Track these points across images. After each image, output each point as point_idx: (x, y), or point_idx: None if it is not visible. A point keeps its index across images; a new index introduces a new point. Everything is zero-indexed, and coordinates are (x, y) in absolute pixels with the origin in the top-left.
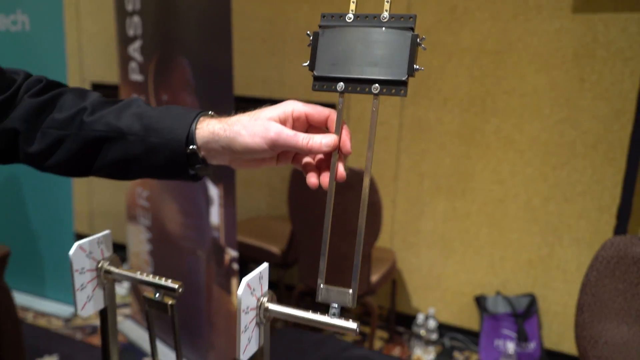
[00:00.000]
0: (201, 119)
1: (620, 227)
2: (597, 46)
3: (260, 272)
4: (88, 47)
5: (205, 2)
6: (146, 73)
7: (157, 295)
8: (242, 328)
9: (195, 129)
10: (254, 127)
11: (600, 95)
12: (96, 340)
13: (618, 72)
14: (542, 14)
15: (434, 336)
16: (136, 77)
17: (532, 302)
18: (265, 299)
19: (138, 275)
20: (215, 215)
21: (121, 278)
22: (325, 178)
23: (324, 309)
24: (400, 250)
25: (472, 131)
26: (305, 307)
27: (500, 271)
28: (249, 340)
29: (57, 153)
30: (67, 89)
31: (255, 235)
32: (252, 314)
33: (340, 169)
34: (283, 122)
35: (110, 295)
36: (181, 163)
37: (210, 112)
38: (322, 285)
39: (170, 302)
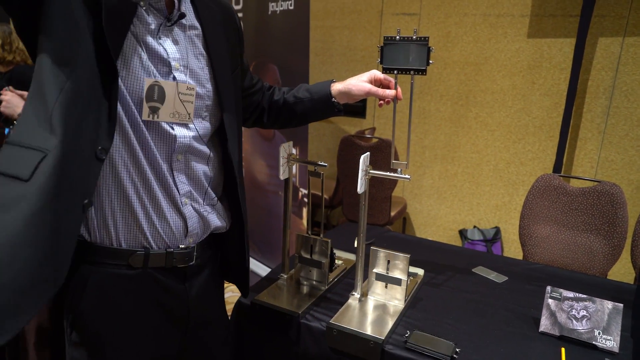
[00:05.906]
0: (331, 84)
1: None
2: (543, 60)
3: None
4: None
5: (289, 24)
6: None
7: (315, 169)
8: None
9: (331, 89)
10: (358, 85)
11: (545, 93)
12: None
13: (556, 77)
14: (507, 38)
15: None
16: None
17: (497, 232)
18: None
19: (306, 160)
20: (293, 167)
21: (297, 161)
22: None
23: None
24: (409, 199)
25: (459, 117)
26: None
27: (476, 212)
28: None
29: (275, 116)
30: (273, 86)
31: (313, 186)
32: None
33: (399, 93)
34: (370, 81)
35: (290, 171)
36: (330, 106)
37: (333, 80)
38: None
39: (322, 172)
